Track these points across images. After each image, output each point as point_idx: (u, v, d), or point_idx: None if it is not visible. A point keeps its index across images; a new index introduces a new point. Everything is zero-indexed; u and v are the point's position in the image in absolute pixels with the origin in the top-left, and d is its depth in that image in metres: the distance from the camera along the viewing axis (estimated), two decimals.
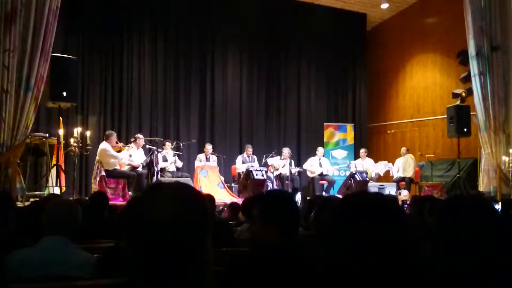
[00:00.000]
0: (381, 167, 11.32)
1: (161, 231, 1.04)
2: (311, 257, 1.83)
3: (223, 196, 9.42)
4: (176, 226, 1.04)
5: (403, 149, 11.40)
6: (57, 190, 7.48)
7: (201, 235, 1.09)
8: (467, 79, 10.75)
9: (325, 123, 13.18)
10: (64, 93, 7.56)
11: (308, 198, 7.96)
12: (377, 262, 0.95)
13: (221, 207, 7.12)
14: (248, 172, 9.76)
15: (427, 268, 1.83)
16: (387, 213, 1.01)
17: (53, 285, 2.24)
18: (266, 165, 10.61)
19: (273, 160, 10.66)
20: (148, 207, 1.07)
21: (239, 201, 8.36)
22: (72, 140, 7.97)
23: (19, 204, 6.35)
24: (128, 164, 8.80)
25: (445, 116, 10.73)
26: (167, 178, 9.23)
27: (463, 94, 11.45)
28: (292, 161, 10.77)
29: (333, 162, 12.33)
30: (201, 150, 10.87)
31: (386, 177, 11.64)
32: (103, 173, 8.36)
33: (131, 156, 8.91)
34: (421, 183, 11.09)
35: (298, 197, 9.94)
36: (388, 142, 13.90)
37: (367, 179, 10.63)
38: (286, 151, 10.78)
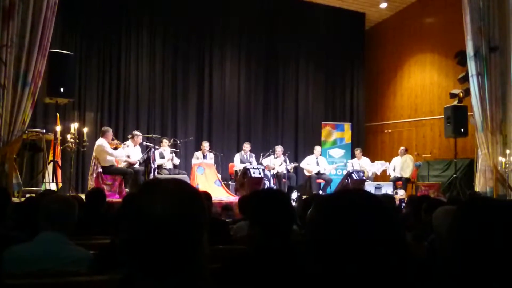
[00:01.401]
0: (378, 166, 11.34)
1: (157, 227, 1.04)
2: (303, 256, 1.83)
3: (220, 194, 9.40)
4: (172, 222, 1.05)
5: (401, 148, 11.40)
6: (53, 186, 7.48)
7: (198, 231, 1.09)
8: (465, 79, 10.76)
9: (322, 122, 13.20)
10: (62, 89, 7.56)
11: (303, 197, 7.97)
12: (361, 261, 0.95)
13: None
14: (245, 170, 9.75)
15: (423, 268, 1.83)
16: (372, 210, 1.00)
17: (50, 281, 2.24)
18: (262, 164, 10.61)
19: (267, 161, 10.67)
20: (145, 202, 1.07)
21: (236, 199, 8.38)
22: (69, 136, 7.95)
23: (15, 200, 6.35)
24: (125, 161, 8.79)
25: (443, 116, 10.74)
26: (164, 176, 9.22)
27: (461, 94, 11.46)
28: (287, 158, 10.72)
29: (330, 161, 12.35)
30: (198, 147, 10.86)
31: (383, 176, 11.65)
32: (100, 170, 8.35)
33: (129, 156, 8.88)
34: (418, 183, 11.11)
35: (294, 195, 9.95)
36: (385, 142, 13.92)
37: (364, 178, 10.65)
38: (279, 149, 10.78)
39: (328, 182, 10.88)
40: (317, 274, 0.98)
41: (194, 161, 10.23)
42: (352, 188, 1.56)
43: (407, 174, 10.96)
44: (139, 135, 9.25)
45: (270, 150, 10.94)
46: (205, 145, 10.45)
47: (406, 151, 11.36)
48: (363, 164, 11.31)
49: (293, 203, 8.21)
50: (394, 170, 11.23)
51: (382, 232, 0.97)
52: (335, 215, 1.00)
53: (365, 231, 0.96)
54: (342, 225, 0.97)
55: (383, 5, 13.22)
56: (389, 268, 0.96)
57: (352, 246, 0.95)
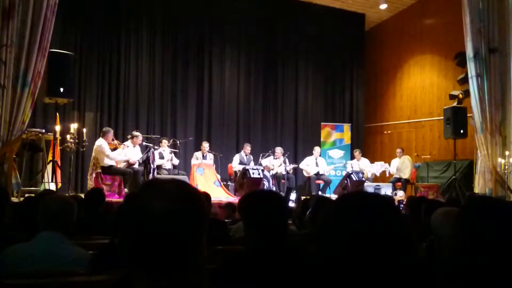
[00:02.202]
0: (377, 167, 11.33)
1: (157, 227, 1.04)
2: (303, 256, 1.84)
3: (219, 194, 9.40)
4: (172, 222, 1.05)
5: (398, 150, 11.39)
6: (52, 186, 7.47)
7: (197, 231, 1.09)
8: (464, 80, 10.77)
9: (322, 123, 13.20)
10: (61, 89, 7.56)
11: (303, 198, 7.97)
12: (373, 261, 0.95)
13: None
14: (245, 171, 9.75)
15: (422, 268, 1.83)
16: (385, 212, 1.01)
17: (48, 281, 2.24)
18: (262, 164, 10.61)
19: (266, 161, 10.67)
20: (145, 202, 1.07)
21: (235, 199, 8.38)
22: (68, 136, 7.96)
23: (14, 200, 6.35)
24: (125, 161, 8.79)
25: (442, 117, 10.74)
26: (164, 176, 9.21)
27: (460, 95, 11.47)
28: (287, 159, 10.72)
29: (330, 161, 12.35)
30: (197, 148, 10.86)
31: (382, 177, 11.65)
32: (99, 170, 8.35)
33: (127, 155, 8.86)
34: (417, 184, 11.11)
35: (293, 196, 9.95)
36: (385, 143, 13.92)
37: (363, 179, 10.64)
38: (278, 150, 10.78)
39: (327, 183, 10.88)
40: (324, 272, 0.99)
41: (193, 161, 10.23)
42: (363, 190, 1.57)
43: (405, 175, 10.96)
44: (138, 136, 9.25)
45: (270, 151, 10.94)
46: (205, 145, 10.44)
47: (403, 152, 11.35)
48: (362, 165, 11.30)
49: (292, 204, 8.22)
50: (394, 171, 11.23)
51: (394, 233, 0.98)
52: (349, 215, 1.00)
53: (378, 232, 0.96)
54: (355, 225, 0.98)
55: (383, 6, 13.22)
56: (399, 268, 0.96)
57: (363, 246, 0.95)
